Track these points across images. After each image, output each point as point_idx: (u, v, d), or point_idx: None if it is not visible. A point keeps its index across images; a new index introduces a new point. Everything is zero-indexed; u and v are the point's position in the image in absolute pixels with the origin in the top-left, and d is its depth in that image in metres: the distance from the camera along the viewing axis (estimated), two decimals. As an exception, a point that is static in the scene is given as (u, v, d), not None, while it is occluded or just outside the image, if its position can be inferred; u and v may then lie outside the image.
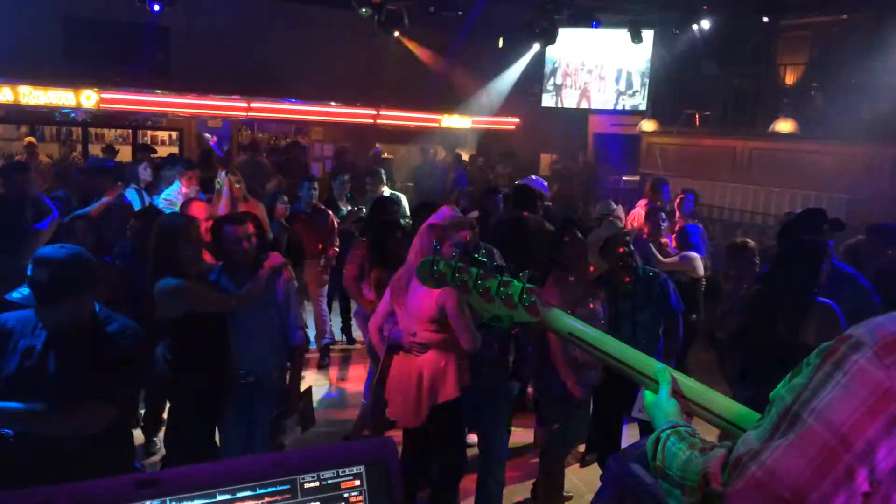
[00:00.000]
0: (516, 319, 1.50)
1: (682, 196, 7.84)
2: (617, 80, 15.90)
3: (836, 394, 1.01)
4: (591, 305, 4.36)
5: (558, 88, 16.35)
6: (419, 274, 1.55)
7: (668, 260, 5.84)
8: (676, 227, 6.74)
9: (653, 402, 1.42)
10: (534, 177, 8.81)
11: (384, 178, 8.09)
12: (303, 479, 1.50)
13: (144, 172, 7.91)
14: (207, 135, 14.48)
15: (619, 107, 16.10)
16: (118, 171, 7.04)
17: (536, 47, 15.18)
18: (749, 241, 5.56)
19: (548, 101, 16.38)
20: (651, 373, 1.45)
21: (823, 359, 1.06)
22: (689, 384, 1.42)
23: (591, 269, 4.91)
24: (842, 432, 0.99)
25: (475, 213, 4.87)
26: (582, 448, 5.34)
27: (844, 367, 1.02)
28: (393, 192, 8.07)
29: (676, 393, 1.41)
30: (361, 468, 1.53)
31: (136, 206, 7.08)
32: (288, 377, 4.27)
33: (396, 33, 12.86)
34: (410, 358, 3.99)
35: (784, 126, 12.26)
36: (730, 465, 1.08)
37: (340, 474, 1.53)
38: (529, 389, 5.22)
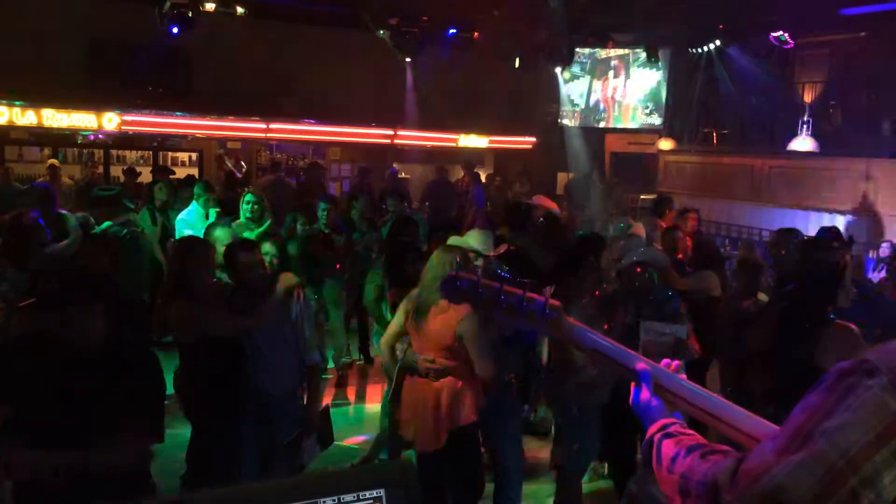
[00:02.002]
0: (540, 334, 1.51)
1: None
2: (633, 99, 15.92)
3: (847, 417, 1.02)
4: (606, 327, 4.34)
5: (574, 107, 16.39)
6: (443, 290, 1.56)
7: (685, 280, 5.80)
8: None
9: (638, 403, 1.44)
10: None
11: (404, 198, 8.14)
12: (323, 502, 1.51)
13: (160, 193, 8.01)
14: (228, 161, 14.68)
15: (636, 125, 16.11)
16: (116, 198, 6.96)
17: (552, 66, 15.24)
18: (753, 257, 5.57)
19: (564, 119, 16.42)
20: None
21: (838, 379, 1.07)
22: (672, 378, 1.43)
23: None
24: (850, 455, 1.00)
25: (503, 248, 4.94)
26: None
27: (857, 392, 1.03)
28: (413, 212, 8.11)
29: (661, 389, 1.42)
30: (381, 492, 1.54)
31: (148, 227, 7.17)
32: (306, 397, 4.30)
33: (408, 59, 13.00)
34: (426, 382, 3.98)
35: (803, 144, 12.21)
36: (741, 476, 1.09)
37: (361, 498, 1.53)
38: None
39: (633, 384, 1.46)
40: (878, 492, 0.99)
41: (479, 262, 4.55)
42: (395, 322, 4.18)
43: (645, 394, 1.43)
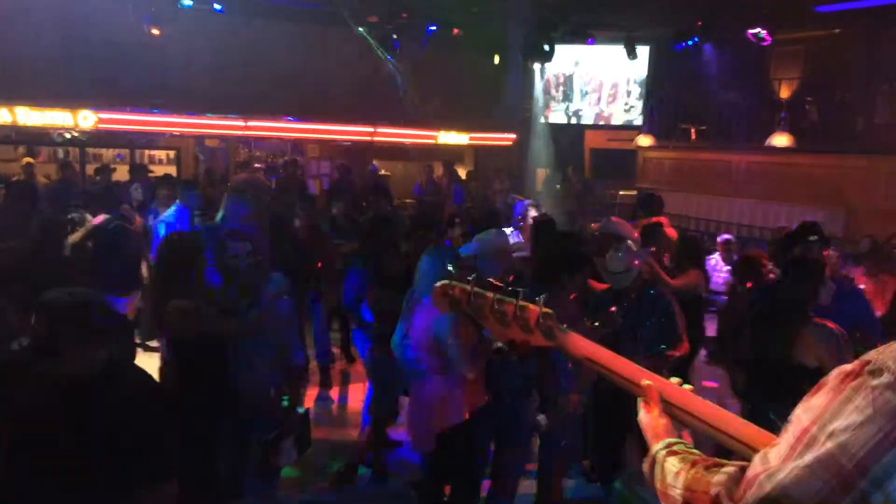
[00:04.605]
0: (532, 343, 1.49)
1: None
2: (613, 96, 15.98)
3: (853, 419, 1.01)
4: (589, 324, 4.34)
5: (554, 104, 16.42)
6: (434, 297, 1.54)
7: (675, 281, 5.77)
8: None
9: (644, 420, 1.41)
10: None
11: (385, 196, 8.10)
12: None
13: (136, 192, 7.90)
14: (201, 156, 14.56)
15: (615, 122, 16.17)
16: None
17: (531, 63, 15.24)
18: (757, 254, 5.57)
19: (544, 116, 16.45)
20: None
21: (842, 381, 1.06)
22: (680, 393, 1.41)
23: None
24: (858, 458, 0.99)
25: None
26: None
27: (863, 392, 1.02)
28: (394, 210, 8.08)
29: (668, 405, 1.40)
30: None
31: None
32: (286, 398, 4.26)
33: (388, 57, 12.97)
34: (419, 382, 4.00)
35: (780, 140, 12.32)
36: (745, 483, 1.08)
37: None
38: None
39: (640, 400, 1.44)
40: (886, 494, 0.98)
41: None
42: (401, 320, 4.20)
43: (652, 410, 1.40)
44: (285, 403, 4.24)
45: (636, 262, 4.62)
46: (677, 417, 1.40)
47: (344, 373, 7.64)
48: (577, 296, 4.56)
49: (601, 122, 16.49)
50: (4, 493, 2.28)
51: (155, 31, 10.51)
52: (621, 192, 15.38)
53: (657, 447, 1.34)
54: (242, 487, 4.25)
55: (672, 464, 1.26)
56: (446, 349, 3.77)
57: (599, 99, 16.27)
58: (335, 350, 7.57)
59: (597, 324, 4.34)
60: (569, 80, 16.32)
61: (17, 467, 2.29)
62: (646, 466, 1.34)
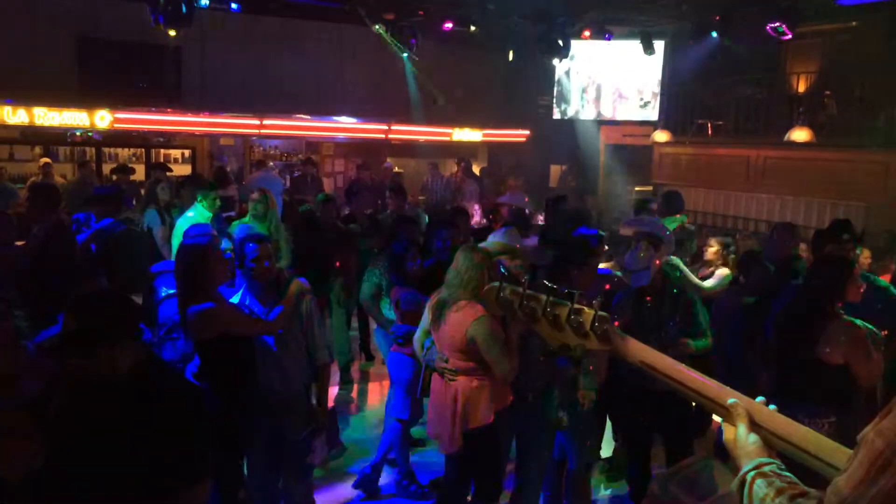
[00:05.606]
0: (588, 348, 1.46)
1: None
2: (629, 92, 15.89)
3: None
4: (617, 324, 4.28)
5: (570, 100, 16.35)
6: (485, 299, 1.51)
7: (707, 284, 5.71)
8: None
9: (731, 439, 1.37)
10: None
11: (402, 194, 8.09)
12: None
13: (163, 192, 7.90)
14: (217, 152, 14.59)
15: (632, 118, 16.07)
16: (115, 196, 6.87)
17: (548, 59, 15.16)
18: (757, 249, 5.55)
19: (559, 112, 16.38)
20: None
21: None
22: (767, 414, 1.37)
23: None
24: None
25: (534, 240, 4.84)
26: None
27: None
28: (413, 208, 8.07)
29: (756, 425, 1.36)
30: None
31: (157, 227, 7.12)
32: (314, 396, 4.26)
33: (405, 54, 12.93)
34: (444, 382, 3.98)
35: (799, 135, 12.18)
36: None
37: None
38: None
39: (720, 420, 1.40)
40: None
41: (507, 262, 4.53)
42: (423, 320, 4.18)
43: (740, 430, 1.36)
44: (314, 401, 4.24)
45: (657, 261, 4.57)
46: (766, 440, 1.35)
47: (363, 371, 7.64)
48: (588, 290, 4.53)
49: (607, 119, 16.39)
50: (43, 495, 2.27)
51: (171, 31, 10.50)
52: (637, 189, 15.28)
53: (746, 467, 1.30)
54: (276, 487, 4.26)
55: (759, 487, 1.24)
56: (485, 351, 3.75)
57: (599, 95, 16.17)
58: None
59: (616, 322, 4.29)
60: (562, 80, 16.21)
61: (53, 469, 2.28)
62: (734, 486, 1.30)
